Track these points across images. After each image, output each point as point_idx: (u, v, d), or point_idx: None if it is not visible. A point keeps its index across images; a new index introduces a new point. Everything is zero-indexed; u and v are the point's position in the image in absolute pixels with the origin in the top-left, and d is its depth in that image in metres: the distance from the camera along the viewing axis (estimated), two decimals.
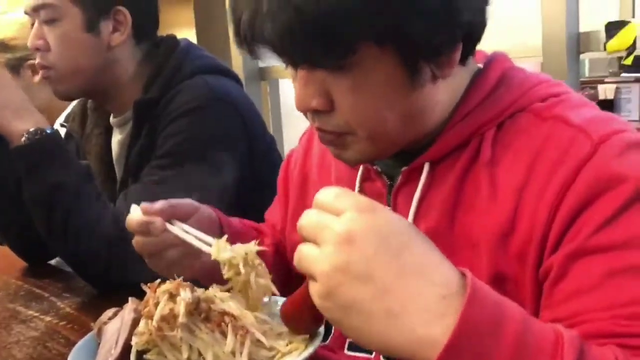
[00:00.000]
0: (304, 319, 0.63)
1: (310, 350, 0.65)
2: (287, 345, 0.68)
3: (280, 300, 0.78)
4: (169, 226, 0.80)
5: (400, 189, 0.79)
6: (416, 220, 0.76)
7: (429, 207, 0.75)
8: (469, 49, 0.72)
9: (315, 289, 0.53)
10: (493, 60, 0.77)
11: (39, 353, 0.94)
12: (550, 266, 0.64)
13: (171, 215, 0.81)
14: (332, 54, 0.64)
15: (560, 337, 0.50)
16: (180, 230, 0.80)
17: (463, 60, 0.71)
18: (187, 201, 0.86)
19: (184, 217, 0.83)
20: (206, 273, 0.78)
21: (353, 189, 0.84)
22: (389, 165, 0.81)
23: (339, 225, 0.51)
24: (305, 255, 0.54)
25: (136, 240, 0.83)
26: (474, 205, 0.72)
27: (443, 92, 0.73)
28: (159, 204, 0.81)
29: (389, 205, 0.80)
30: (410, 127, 0.73)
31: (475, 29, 0.70)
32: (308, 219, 0.55)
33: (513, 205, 0.67)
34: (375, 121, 0.70)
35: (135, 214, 0.82)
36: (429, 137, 0.75)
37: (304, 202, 0.95)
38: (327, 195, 0.55)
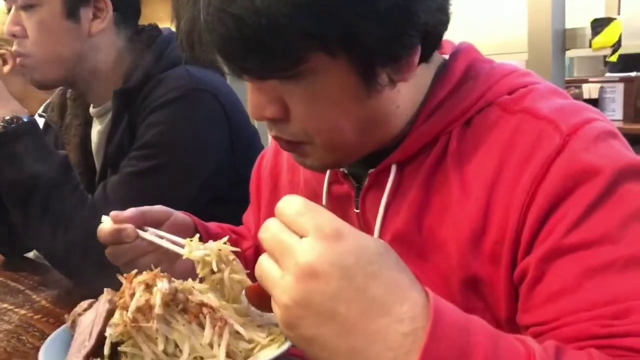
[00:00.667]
0: (268, 302, 0.61)
1: (289, 342, 0.63)
2: (266, 337, 0.66)
3: None
4: (141, 233, 0.78)
5: (368, 192, 0.76)
6: (384, 224, 0.74)
7: (397, 210, 0.73)
8: (430, 49, 0.68)
9: (276, 314, 0.51)
10: (459, 52, 0.74)
11: (12, 346, 0.92)
12: (526, 268, 0.62)
13: (143, 222, 0.80)
14: (275, 66, 0.60)
15: (532, 356, 0.48)
16: (153, 235, 0.78)
17: (425, 59, 0.68)
18: (159, 207, 0.84)
19: (156, 223, 0.82)
20: (184, 278, 0.76)
21: (321, 192, 0.82)
22: (356, 167, 0.78)
23: (300, 256, 0.48)
24: (266, 274, 0.51)
25: (109, 251, 0.81)
26: (443, 206, 0.69)
27: (405, 95, 0.70)
28: (129, 211, 0.79)
29: (357, 209, 0.78)
30: (370, 134, 0.70)
31: (434, 29, 0.66)
32: (269, 233, 0.52)
33: (483, 204, 0.65)
34: (331, 130, 0.67)
35: (106, 223, 0.80)
36: (397, 139, 0.72)
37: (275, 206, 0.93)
38: (289, 209, 0.51)
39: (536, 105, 0.67)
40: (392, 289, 0.48)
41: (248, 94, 0.68)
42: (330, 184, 0.82)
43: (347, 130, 0.67)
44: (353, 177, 0.79)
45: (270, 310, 0.53)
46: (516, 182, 0.63)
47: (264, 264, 0.52)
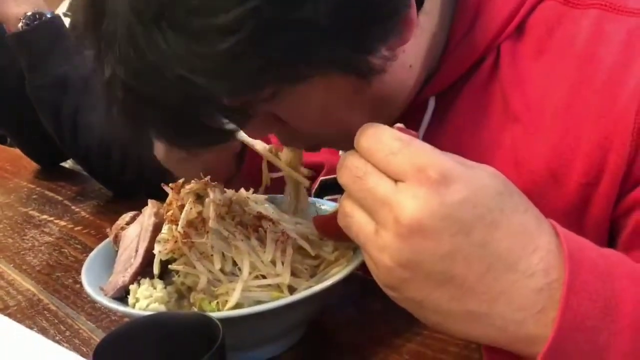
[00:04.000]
0: (343, 234, 0.53)
1: (360, 258, 0.56)
2: (332, 252, 0.58)
3: (318, 202, 0.70)
4: None
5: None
6: None
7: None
8: None
9: (375, 274, 0.42)
10: None
11: (55, 259, 0.87)
12: (637, 201, 0.50)
13: None
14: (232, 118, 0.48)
15: None
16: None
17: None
18: None
19: None
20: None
21: None
22: None
23: (401, 210, 0.38)
24: (357, 227, 0.42)
25: (159, 146, 0.70)
26: (497, 142, 0.56)
27: (414, 49, 0.54)
28: None
29: None
30: (391, 107, 0.57)
31: None
32: (353, 177, 0.41)
33: (560, 135, 0.52)
34: (342, 130, 0.51)
35: None
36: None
37: None
38: (379, 146, 0.41)
39: None
40: (518, 237, 0.39)
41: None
42: None
43: (358, 122, 0.49)
44: None
45: (346, 240, 0.45)
46: (611, 105, 0.50)
47: (351, 213, 0.42)
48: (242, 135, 0.64)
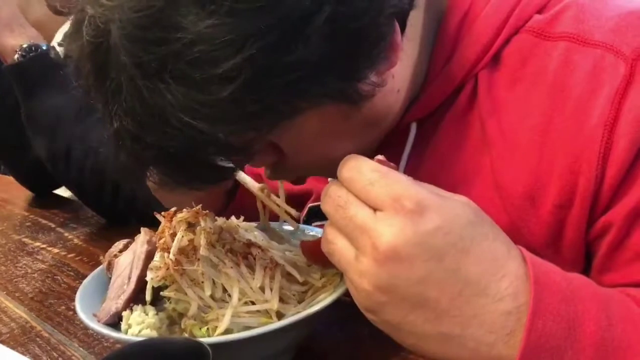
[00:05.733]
0: (327, 260, 0.54)
1: (345, 285, 0.57)
2: (320, 279, 0.60)
3: (307, 228, 0.71)
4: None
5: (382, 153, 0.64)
6: None
7: (418, 176, 0.60)
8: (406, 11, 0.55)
9: (355, 298, 0.44)
10: None
11: (47, 286, 0.88)
12: (607, 225, 0.52)
13: None
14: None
15: None
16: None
17: (404, 24, 0.55)
18: None
19: None
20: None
21: None
22: None
23: (378, 237, 0.41)
24: (338, 253, 0.44)
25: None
26: (477, 166, 0.58)
27: (402, 73, 0.57)
28: None
29: None
30: (379, 130, 0.59)
31: None
32: (335, 206, 0.44)
33: (535, 160, 0.54)
34: (332, 157, 0.51)
35: None
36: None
37: None
38: (358, 177, 0.43)
39: (582, 25, 0.54)
40: (488, 263, 0.41)
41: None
42: None
43: (350, 146, 0.54)
44: None
45: (332, 265, 0.47)
46: (578, 130, 0.51)
47: (334, 240, 0.45)
48: (240, 174, 0.66)
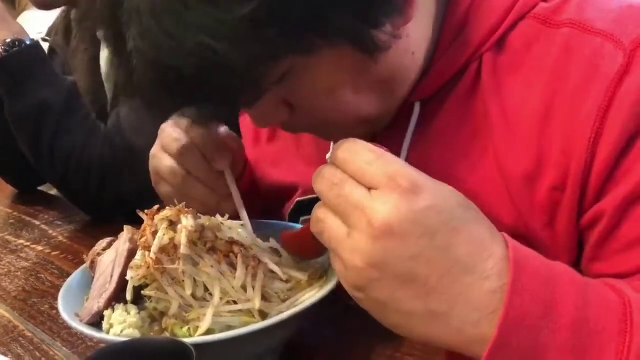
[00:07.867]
0: (308, 250, 0.54)
1: (333, 281, 0.57)
2: (306, 276, 0.60)
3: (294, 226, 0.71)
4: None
5: (386, 133, 0.64)
6: None
7: (421, 154, 0.61)
8: None
9: (343, 276, 0.45)
10: None
11: (31, 285, 0.87)
12: (599, 214, 0.53)
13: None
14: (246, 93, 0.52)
15: (627, 304, 0.42)
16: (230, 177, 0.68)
17: None
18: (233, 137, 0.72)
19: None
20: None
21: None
22: None
23: (374, 213, 0.42)
24: (329, 232, 0.45)
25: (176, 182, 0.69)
26: (481, 148, 0.59)
27: (416, 36, 0.58)
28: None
29: None
30: (393, 95, 0.60)
31: None
32: (329, 186, 0.45)
33: (534, 143, 0.55)
34: (346, 111, 0.57)
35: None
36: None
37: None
38: (355, 157, 0.44)
39: (585, 14, 0.55)
40: (476, 244, 0.43)
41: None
42: None
43: (364, 105, 0.57)
44: None
45: (311, 257, 0.47)
46: (574, 115, 0.53)
47: (325, 219, 0.45)
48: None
